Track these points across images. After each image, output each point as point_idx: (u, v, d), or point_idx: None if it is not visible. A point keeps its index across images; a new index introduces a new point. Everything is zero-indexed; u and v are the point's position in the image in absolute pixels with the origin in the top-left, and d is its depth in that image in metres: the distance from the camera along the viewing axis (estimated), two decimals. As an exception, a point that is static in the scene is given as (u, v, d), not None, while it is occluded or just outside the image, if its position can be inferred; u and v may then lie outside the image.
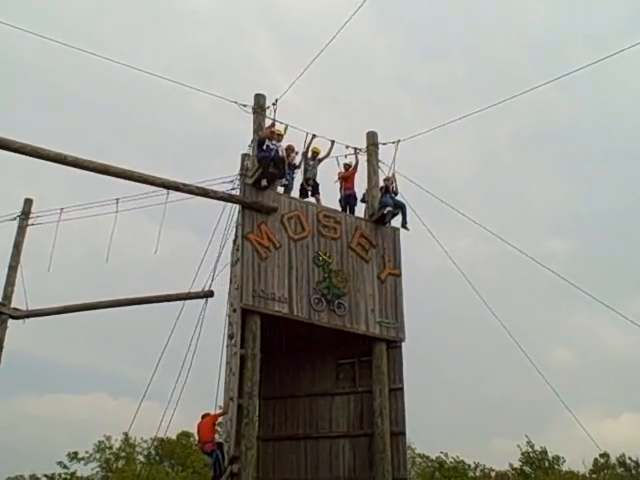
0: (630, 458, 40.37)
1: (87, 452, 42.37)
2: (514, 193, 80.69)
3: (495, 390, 59.42)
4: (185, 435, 42.94)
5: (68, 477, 39.66)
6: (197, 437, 15.29)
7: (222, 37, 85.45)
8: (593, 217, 78.48)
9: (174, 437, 42.98)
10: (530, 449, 41.98)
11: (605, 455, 40.07)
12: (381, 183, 17.25)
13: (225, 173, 16.10)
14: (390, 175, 17.16)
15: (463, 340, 59.53)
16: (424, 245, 17.25)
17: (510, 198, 78.76)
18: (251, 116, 16.31)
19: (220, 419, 15.35)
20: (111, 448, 42.95)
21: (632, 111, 77.77)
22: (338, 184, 17.34)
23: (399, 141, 17.37)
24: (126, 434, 40.20)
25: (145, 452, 43.79)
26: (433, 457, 44.38)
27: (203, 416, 14.92)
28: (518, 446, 42.11)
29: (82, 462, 41.63)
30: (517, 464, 42.55)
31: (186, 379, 15.92)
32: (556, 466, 41.64)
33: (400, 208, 16.81)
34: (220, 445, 14.47)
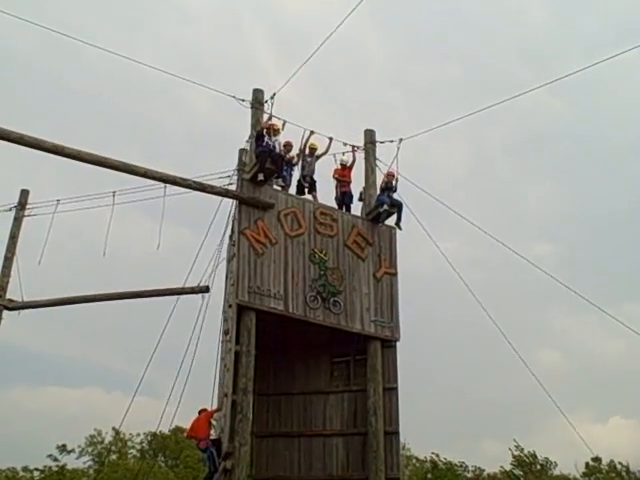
0: (620, 463, 40.36)
1: (79, 446, 42.43)
2: (505, 196, 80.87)
3: (485, 391, 59.52)
4: (179, 430, 42.89)
5: (59, 470, 39.58)
6: (190, 433, 15.20)
7: (219, 35, 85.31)
8: (583, 221, 78.74)
9: (167, 432, 42.89)
10: (520, 453, 42.03)
11: (597, 459, 40.06)
12: (380, 180, 17.19)
13: (222, 169, 16.09)
14: (392, 172, 17.06)
15: (452, 341, 59.66)
16: (411, 245, 17.24)
17: (500, 201, 78.95)
18: (249, 112, 16.28)
19: (215, 415, 15.31)
20: (102, 442, 42.93)
21: (624, 116, 78.05)
22: (334, 181, 17.27)
23: (401, 140, 17.28)
24: (116, 429, 40.13)
25: (138, 447, 43.79)
26: (423, 457, 44.38)
27: (200, 412, 14.88)
28: (509, 449, 42.16)
29: (73, 455, 41.69)
30: (508, 467, 42.61)
31: (187, 376, 15.96)
32: (549, 471, 41.70)
33: (396, 207, 16.76)
34: (215, 441, 14.41)
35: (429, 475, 42.21)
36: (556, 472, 41.51)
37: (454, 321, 56.59)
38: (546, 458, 41.93)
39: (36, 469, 39.94)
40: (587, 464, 41.25)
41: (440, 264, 17.17)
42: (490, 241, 17.23)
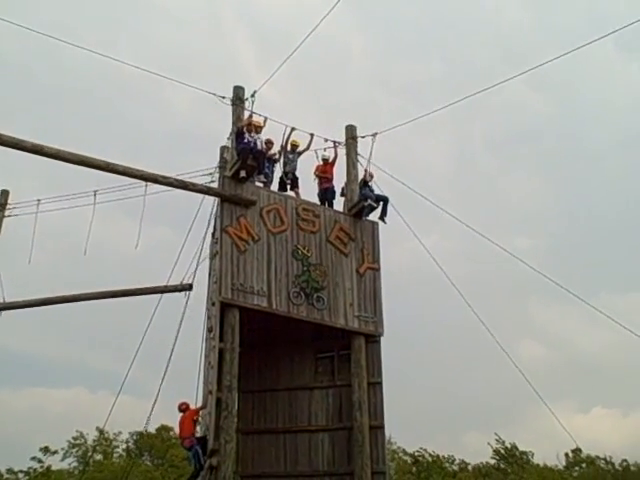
0: (597, 456, 40.62)
1: (62, 448, 42.25)
2: (486, 191, 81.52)
3: (466, 384, 59.90)
4: (164, 429, 42.86)
5: (44, 472, 39.37)
6: (178, 432, 15.18)
7: (199, 34, 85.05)
8: (563, 216, 79.51)
9: (153, 431, 42.85)
10: (501, 445, 42.45)
11: (578, 450, 40.35)
12: (361, 176, 17.26)
13: (204, 167, 16.07)
14: (370, 170, 17.16)
15: (433, 335, 60.09)
16: (388, 241, 17.30)
17: (482, 196, 79.39)
18: (230, 110, 16.26)
19: (200, 413, 15.26)
20: (85, 443, 42.79)
21: (605, 113, 79.10)
22: (316, 178, 17.29)
23: (376, 134, 17.39)
24: (101, 430, 40.01)
25: (123, 446, 43.70)
26: (411, 451, 44.60)
27: (180, 406, 14.76)
28: (488, 444, 42.57)
29: (57, 455, 41.55)
30: (491, 460, 43.02)
31: (165, 374, 15.95)
32: (530, 462, 42.13)
33: (382, 201, 16.82)
34: (200, 439, 14.35)
35: (414, 469, 42.44)
36: (540, 463, 41.90)
37: (434, 315, 56.95)
38: (523, 451, 42.43)
39: (21, 471, 39.74)
40: (566, 455, 41.69)
41: (418, 259, 17.30)
42: (469, 235, 17.33)
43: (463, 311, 16.95)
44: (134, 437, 43.13)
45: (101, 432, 40.03)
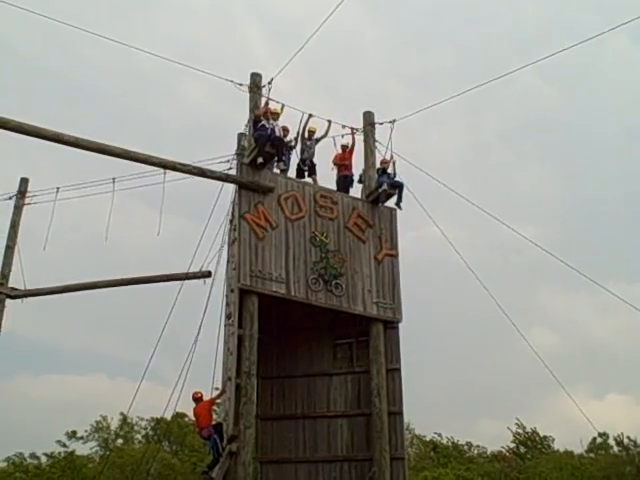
0: (629, 437, 40.29)
1: (86, 431, 42.74)
2: (498, 181, 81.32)
3: (481, 371, 59.88)
4: (180, 415, 43.26)
5: (67, 456, 39.82)
6: (195, 422, 15.12)
7: (211, 27, 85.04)
8: (572, 206, 79.03)
9: (170, 418, 43.21)
10: (522, 431, 42.43)
11: (604, 434, 40.21)
12: (378, 164, 17.22)
13: (222, 155, 16.07)
14: (387, 158, 17.15)
15: (445, 322, 60.00)
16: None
17: (493, 186, 79.17)
18: (246, 99, 16.25)
19: (219, 400, 15.29)
20: (109, 428, 43.32)
21: (615, 104, 78.46)
22: (335, 167, 17.25)
23: (395, 120, 17.33)
24: (124, 414, 40.51)
25: (143, 432, 44.16)
26: (427, 437, 44.68)
27: (195, 395, 14.71)
28: (508, 428, 42.53)
29: (81, 441, 42.08)
30: (510, 444, 43.03)
31: (186, 361, 15.95)
32: (549, 447, 42.10)
33: (397, 187, 16.78)
34: (217, 426, 14.37)
35: (432, 454, 42.58)
36: (560, 448, 41.88)
37: (443, 303, 56.87)
38: (544, 435, 42.43)
39: (44, 454, 40.27)
40: (594, 439, 41.51)
41: (422, 248, 17.29)
42: (475, 225, 17.36)
43: (473, 299, 16.93)
44: (151, 424, 43.58)
45: (124, 417, 40.53)
